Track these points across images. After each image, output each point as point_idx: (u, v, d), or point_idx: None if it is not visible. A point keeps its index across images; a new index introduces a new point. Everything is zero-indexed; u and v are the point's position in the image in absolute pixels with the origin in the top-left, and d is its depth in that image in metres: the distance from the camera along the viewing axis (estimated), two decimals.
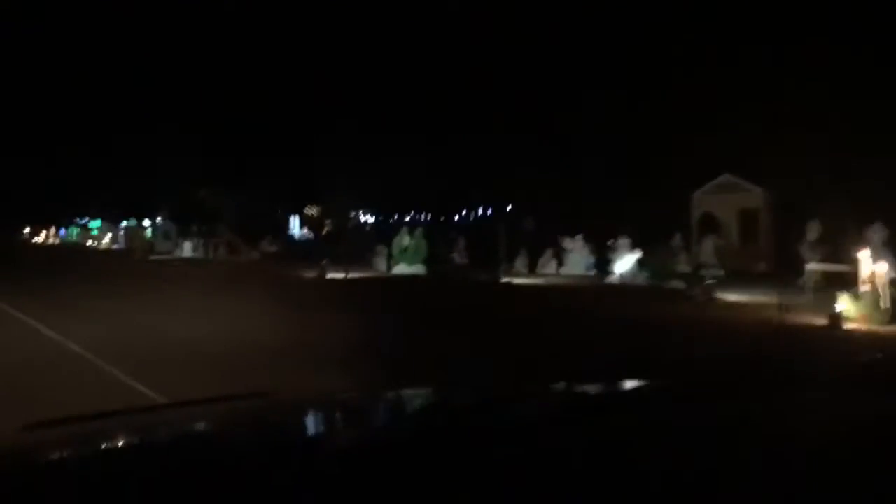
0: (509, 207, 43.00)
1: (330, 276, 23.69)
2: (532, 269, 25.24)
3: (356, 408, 1.89)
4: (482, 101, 42.14)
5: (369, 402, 1.98)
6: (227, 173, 62.60)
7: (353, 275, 23.61)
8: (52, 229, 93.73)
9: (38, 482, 1.16)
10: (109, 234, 75.05)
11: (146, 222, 73.08)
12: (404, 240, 24.83)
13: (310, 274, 24.53)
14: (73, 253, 51.65)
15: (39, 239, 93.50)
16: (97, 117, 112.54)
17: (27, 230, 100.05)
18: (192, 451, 1.41)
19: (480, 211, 52.27)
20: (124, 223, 72.10)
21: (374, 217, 63.91)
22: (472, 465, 1.10)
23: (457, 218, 52.97)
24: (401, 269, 24.45)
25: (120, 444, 1.48)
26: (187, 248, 42.73)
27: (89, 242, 77.05)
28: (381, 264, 27.50)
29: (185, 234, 53.79)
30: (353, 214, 60.51)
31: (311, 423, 1.76)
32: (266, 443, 1.48)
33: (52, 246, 76.58)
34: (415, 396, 2.01)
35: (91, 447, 1.42)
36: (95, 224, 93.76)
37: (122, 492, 1.10)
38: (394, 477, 1.08)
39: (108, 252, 56.73)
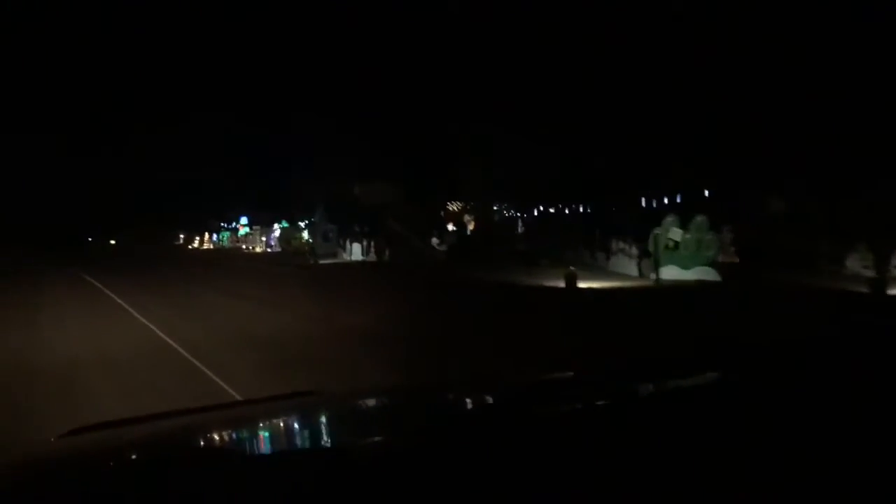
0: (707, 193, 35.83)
1: (583, 285, 17.93)
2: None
3: (393, 404, 1.88)
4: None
5: (411, 397, 1.95)
6: (376, 170, 58.98)
7: (599, 284, 17.85)
8: (206, 235, 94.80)
9: (80, 489, 1.18)
10: (263, 238, 74.20)
11: (298, 223, 71.57)
12: (674, 233, 18.54)
13: (544, 282, 18.93)
14: (233, 259, 49.29)
15: (193, 245, 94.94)
16: (242, 120, 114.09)
17: (181, 238, 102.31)
18: (231, 454, 1.44)
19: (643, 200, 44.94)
20: (277, 226, 70.43)
21: (516, 211, 58.65)
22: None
23: (611, 208, 45.80)
24: (673, 272, 18.25)
25: (158, 448, 1.45)
26: (356, 251, 38.59)
27: (244, 247, 76.43)
28: (625, 266, 21.44)
29: (344, 234, 50.49)
30: (496, 208, 55.85)
31: (352, 421, 1.74)
32: (305, 441, 1.56)
33: (209, 252, 76.20)
34: (462, 393, 1.96)
35: (132, 452, 1.41)
36: (244, 228, 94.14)
37: (161, 495, 1.11)
38: (425, 475, 1.09)
39: (266, 257, 54.27)
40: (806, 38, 27.29)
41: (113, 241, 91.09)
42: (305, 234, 58.35)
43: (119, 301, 15.28)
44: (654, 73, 35.37)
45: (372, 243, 37.11)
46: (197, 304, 15.61)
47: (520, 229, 49.20)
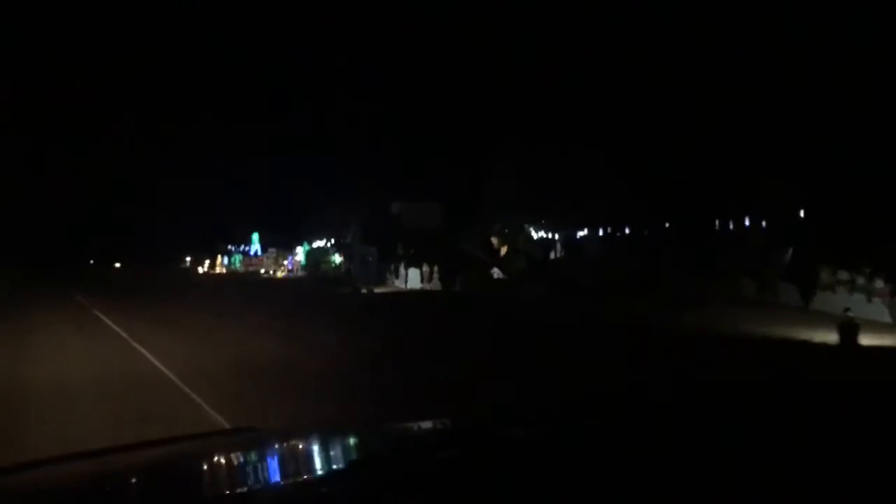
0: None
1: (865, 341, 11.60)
2: None
3: (337, 442, 1.86)
4: None
5: (354, 436, 1.92)
6: (405, 190, 52.94)
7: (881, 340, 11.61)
8: (218, 258, 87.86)
9: None
10: (284, 262, 67.69)
11: (312, 244, 64.87)
12: None
13: (795, 333, 12.64)
14: (258, 287, 42.77)
15: (203, 269, 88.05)
16: (247, 132, 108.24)
17: (188, 260, 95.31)
18: (168, 491, 1.40)
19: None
20: (299, 248, 63.94)
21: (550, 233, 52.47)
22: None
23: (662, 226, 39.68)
24: None
25: (87, 486, 1.42)
26: (413, 277, 32.27)
27: (262, 270, 69.82)
28: (860, 307, 15.07)
29: (387, 258, 44.19)
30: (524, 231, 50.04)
31: (293, 457, 1.72)
32: (242, 477, 1.51)
33: (224, 278, 69.34)
34: (404, 431, 1.92)
35: (60, 492, 1.38)
36: (256, 250, 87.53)
37: None
38: None
39: (293, 283, 47.75)
40: None
41: (118, 265, 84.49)
42: (336, 258, 52.09)
43: (163, 370, 8.98)
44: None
45: (435, 269, 30.75)
46: (262, 358, 9.26)
47: (559, 253, 42.80)
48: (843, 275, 16.06)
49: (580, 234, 55.70)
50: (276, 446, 1.82)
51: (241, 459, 1.67)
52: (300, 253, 63.93)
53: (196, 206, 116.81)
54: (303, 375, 8.66)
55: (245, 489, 1.36)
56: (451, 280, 29.68)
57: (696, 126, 31.30)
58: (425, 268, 31.48)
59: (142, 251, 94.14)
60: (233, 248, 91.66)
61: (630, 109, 35.74)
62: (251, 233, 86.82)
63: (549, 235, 52.77)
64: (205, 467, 1.63)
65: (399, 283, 31.60)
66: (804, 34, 27.50)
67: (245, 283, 47.28)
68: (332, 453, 1.75)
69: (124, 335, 12.86)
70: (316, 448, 1.81)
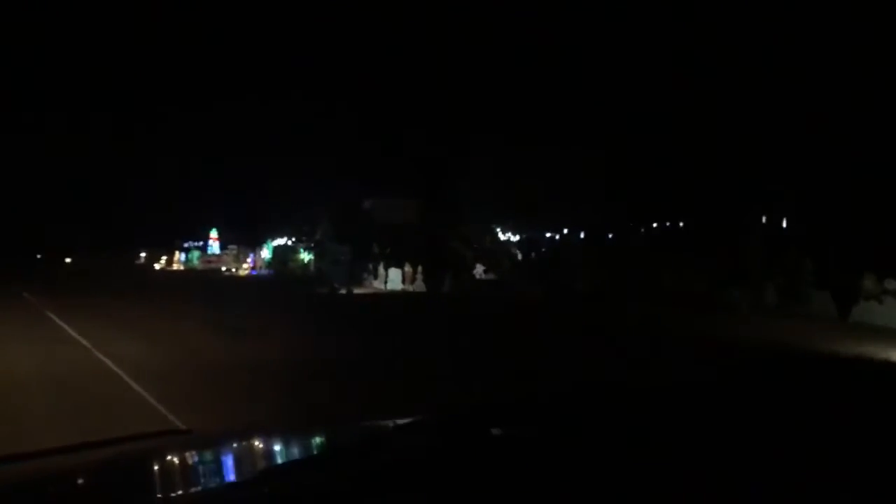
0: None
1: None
2: None
3: (269, 448, 1.78)
4: None
5: (288, 440, 1.84)
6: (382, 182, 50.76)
7: None
8: (175, 254, 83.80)
9: None
10: (249, 260, 64.51)
11: (271, 242, 61.98)
12: None
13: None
14: (222, 286, 40.15)
15: (160, 265, 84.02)
16: (205, 117, 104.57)
17: (142, 256, 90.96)
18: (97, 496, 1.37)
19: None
20: (265, 245, 60.88)
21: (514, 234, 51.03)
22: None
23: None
24: None
25: (28, 488, 1.36)
26: (394, 278, 30.28)
27: (223, 268, 66.51)
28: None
29: (359, 256, 41.98)
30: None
31: (228, 462, 1.65)
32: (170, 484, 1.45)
33: (183, 274, 65.86)
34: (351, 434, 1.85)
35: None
36: (214, 244, 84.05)
37: None
38: None
39: (260, 282, 45.17)
40: None
41: (68, 260, 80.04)
42: (304, 255, 49.55)
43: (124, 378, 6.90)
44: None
45: (419, 269, 28.81)
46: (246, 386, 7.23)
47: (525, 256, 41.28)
48: (893, 284, 14.68)
49: (548, 235, 53.94)
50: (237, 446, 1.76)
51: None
52: (265, 250, 61.07)
53: (153, 200, 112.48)
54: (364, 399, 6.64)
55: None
56: (437, 281, 27.78)
57: (705, 116, 30.07)
58: (407, 268, 29.49)
59: (95, 245, 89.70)
60: (191, 244, 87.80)
61: (622, 103, 34.49)
62: (208, 229, 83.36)
63: (512, 237, 51.00)
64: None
65: (377, 284, 29.54)
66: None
67: (209, 282, 44.47)
68: (310, 450, 1.69)
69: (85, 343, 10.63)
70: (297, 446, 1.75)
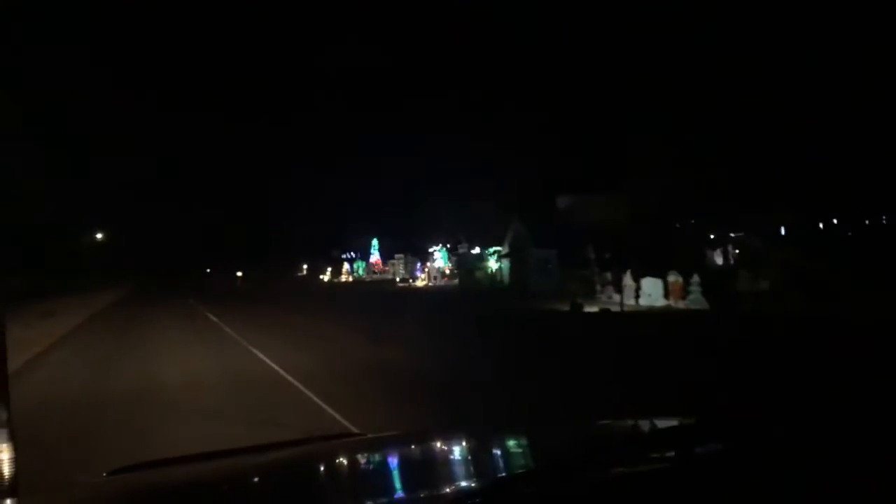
0: None
1: None
2: None
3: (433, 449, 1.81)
4: None
5: (451, 440, 1.87)
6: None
7: None
8: (344, 265, 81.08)
9: None
10: (417, 268, 59.96)
11: (444, 249, 56.82)
12: None
13: None
14: (416, 302, 35.11)
15: (325, 277, 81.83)
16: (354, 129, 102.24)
17: (304, 268, 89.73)
18: (274, 495, 1.39)
19: None
20: (437, 253, 55.72)
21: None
22: None
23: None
24: None
25: (199, 488, 1.41)
26: (653, 289, 23.46)
27: (397, 279, 62.14)
28: None
29: (564, 261, 35.58)
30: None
31: (393, 464, 1.68)
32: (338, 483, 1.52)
33: (357, 287, 62.00)
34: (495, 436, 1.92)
35: (174, 493, 1.38)
36: (374, 255, 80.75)
37: None
38: None
39: (445, 294, 39.87)
40: None
41: (240, 273, 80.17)
42: (492, 263, 43.87)
43: None
44: None
45: (696, 279, 21.79)
46: None
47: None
48: None
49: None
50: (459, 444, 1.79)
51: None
52: (438, 258, 56.07)
53: (309, 213, 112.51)
54: None
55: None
56: (728, 295, 20.74)
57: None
58: (673, 277, 22.61)
59: (257, 260, 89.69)
60: (353, 255, 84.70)
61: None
62: (364, 237, 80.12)
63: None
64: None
65: (623, 298, 22.76)
66: None
67: (397, 297, 39.61)
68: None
69: None
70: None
